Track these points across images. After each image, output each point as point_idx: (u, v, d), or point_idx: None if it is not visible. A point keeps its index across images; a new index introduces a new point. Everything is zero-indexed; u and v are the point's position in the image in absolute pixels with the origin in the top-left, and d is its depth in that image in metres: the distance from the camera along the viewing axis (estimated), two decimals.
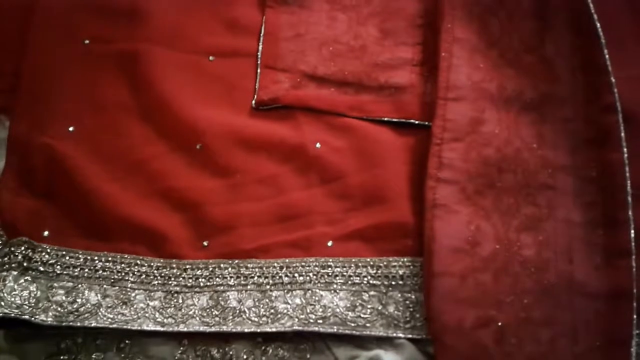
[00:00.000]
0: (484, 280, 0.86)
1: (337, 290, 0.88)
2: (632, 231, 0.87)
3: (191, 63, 1.04)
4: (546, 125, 0.95)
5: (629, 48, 1.02)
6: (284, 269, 0.90)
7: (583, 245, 0.88)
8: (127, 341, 0.87)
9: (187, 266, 0.90)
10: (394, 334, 0.86)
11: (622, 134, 0.92)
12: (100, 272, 0.89)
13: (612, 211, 0.89)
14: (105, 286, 0.88)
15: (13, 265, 0.87)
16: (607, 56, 0.96)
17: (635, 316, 0.83)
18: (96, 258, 0.90)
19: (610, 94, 0.94)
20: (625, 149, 0.91)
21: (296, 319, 0.86)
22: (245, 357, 0.87)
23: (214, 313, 0.87)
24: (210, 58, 1.05)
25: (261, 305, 0.87)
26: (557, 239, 0.89)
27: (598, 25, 0.98)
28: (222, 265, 0.90)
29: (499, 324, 0.84)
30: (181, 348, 0.87)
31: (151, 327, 0.86)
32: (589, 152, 0.93)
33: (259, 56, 1.05)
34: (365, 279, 0.89)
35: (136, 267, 0.90)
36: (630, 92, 0.96)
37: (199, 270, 0.90)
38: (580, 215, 0.90)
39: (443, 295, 0.85)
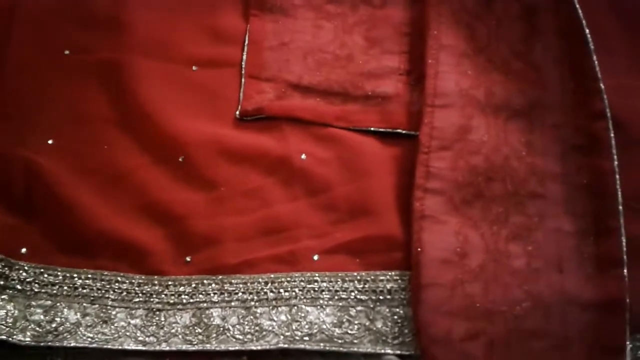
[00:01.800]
0: (472, 291, 0.85)
1: (324, 306, 0.86)
2: (624, 240, 0.86)
3: (174, 73, 1.03)
4: (535, 132, 0.94)
5: (618, 55, 1.01)
6: (269, 284, 0.88)
7: (574, 254, 0.87)
8: None
9: (170, 282, 0.88)
10: (382, 350, 0.84)
11: (612, 141, 0.91)
12: (80, 289, 0.87)
13: (603, 220, 0.88)
14: (84, 304, 0.86)
15: None
16: (596, 62, 0.95)
17: (628, 326, 0.82)
18: (75, 275, 0.88)
19: (599, 101, 0.93)
20: (615, 157, 0.90)
21: (282, 336, 0.84)
22: None
23: (197, 331, 0.85)
24: (194, 68, 1.04)
25: (245, 323, 0.85)
26: (547, 248, 0.87)
27: (587, 31, 0.97)
28: (205, 282, 0.88)
29: (489, 336, 0.82)
30: None
31: (132, 346, 0.84)
32: (579, 159, 0.92)
33: (243, 66, 1.04)
34: (353, 293, 0.87)
35: (117, 284, 0.88)
36: (620, 100, 0.95)
37: (182, 287, 0.88)
38: (571, 224, 0.88)
39: (431, 307, 0.83)
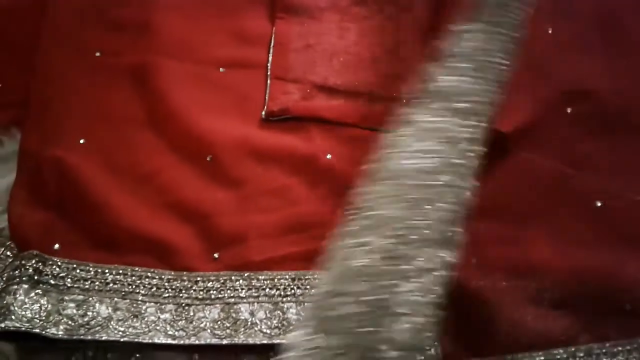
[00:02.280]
0: None
1: None
2: None
3: (201, 74, 1.04)
4: None
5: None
6: (296, 280, 0.89)
7: None
8: (137, 355, 0.86)
9: (198, 278, 0.90)
10: None
11: None
12: (111, 285, 0.88)
13: None
14: (116, 299, 0.88)
15: (24, 278, 0.87)
16: None
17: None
18: (107, 271, 0.89)
19: None
20: None
21: None
22: None
23: (225, 325, 0.86)
24: (221, 69, 1.05)
25: (273, 317, 0.87)
26: None
27: None
28: (233, 278, 0.89)
29: None
30: None
31: (162, 340, 0.85)
32: None
33: (269, 67, 1.05)
34: None
35: (147, 279, 0.89)
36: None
37: (210, 283, 0.89)
38: None
39: None
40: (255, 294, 0.88)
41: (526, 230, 0.88)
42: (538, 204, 0.89)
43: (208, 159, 0.98)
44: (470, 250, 0.85)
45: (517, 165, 0.91)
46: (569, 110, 0.94)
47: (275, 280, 0.89)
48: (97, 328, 0.85)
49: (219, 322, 0.86)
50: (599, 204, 0.88)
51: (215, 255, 0.91)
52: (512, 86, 0.95)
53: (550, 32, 1.01)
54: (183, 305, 0.88)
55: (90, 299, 0.87)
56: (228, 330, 0.86)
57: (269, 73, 1.05)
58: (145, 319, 0.86)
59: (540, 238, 0.87)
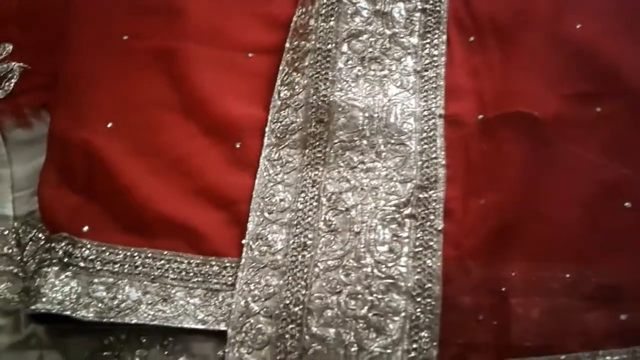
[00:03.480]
0: None
1: None
2: None
3: (230, 60, 1.04)
4: None
5: None
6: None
7: None
8: (170, 338, 0.86)
9: (227, 264, 0.89)
10: None
11: None
12: (140, 268, 0.88)
13: None
14: (145, 282, 0.87)
15: (54, 261, 0.86)
16: None
17: None
18: (136, 254, 0.89)
19: None
20: None
21: None
22: None
23: None
24: (249, 55, 1.05)
25: None
26: None
27: None
28: None
29: None
30: (224, 346, 0.85)
31: (192, 324, 0.85)
32: None
33: None
34: None
35: (175, 264, 0.89)
36: None
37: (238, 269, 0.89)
38: None
39: None
40: None
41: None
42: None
43: (237, 145, 0.97)
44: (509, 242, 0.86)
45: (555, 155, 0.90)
46: (598, 109, 0.93)
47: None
48: (127, 311, 0.85)
49: None
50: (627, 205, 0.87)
51: (243, 241, 0.91)
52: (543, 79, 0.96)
53: (578, 27, 0.99)
54: (212, 290, 0.88)
55: (120, 282, 0.87)
56: None
57: None
58: (175, 303, 0.86)
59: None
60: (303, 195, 0.93)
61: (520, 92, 0.96)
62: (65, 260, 0.87)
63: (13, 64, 1.04)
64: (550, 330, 0.81)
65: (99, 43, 1.04)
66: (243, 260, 0.89)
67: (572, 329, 0.81)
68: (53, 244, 0.88)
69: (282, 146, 0.97)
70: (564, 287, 0.83)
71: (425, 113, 0.97)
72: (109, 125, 0.98)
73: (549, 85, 0.96)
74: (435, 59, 1.02)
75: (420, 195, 0.91)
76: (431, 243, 0.88)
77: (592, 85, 0.95)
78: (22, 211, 0.95)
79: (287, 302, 0.85)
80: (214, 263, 0.89)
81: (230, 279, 0.88)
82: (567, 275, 0.83)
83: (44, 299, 0.83)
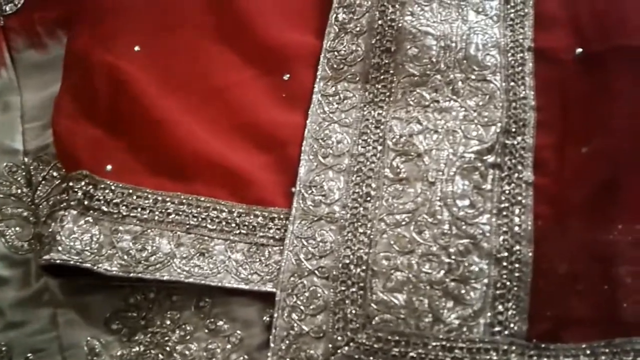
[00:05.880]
0: None
1: None
2: None
3: None
4: None
5: None
6: None
7: None
8: (207, 299, 0.75)
9: (274, 215, 0.78)
10: None
11: None
12: (173, 216, 0.77)
13: None
14: (179, 233, 0.76)
15: (72, 203, 0.75)
16: None
17: None
18: (168, 199, 0.78)
19: None
20: None
21: None
22: None
23: None
24: None
25: None
26: None
27: None
28: None
29: None
30: (271, 310, 0.74)
31: (233, 284, 0.74)
32: None
33: None
34: None
35: (214, 212, 0.78)
36: None
37: (288, 221, 0.77)
38: None
39: None
40: None
41: None
42: None
43: (285, 77, 0.86)
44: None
45: None
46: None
47: None
48: (157, 265, 0.75)
49: None
50: None
51: (293, 189, 0.79)
52: None
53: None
54: (257, 244, 0.77)
55: (149, 231, 0.77)
56: None
57: None
58: (214, 258, 0.76)
59: None
60: (364, 137, 0.82)
61: (629, 19, 0.84)
62: (85, 202, 0.76)
63: None
64: None
65: None
66: (293, 210, 0.78)
67: None
68: (70, 184, 0.77)
69: (339, 79, 0.86)
70: None
71: (512, 45, 0.85)
72: (137, 48, 0.87)
73: None
74: None
75: (507, 142, 0.79)
76: (519, 198, 0.77)
77: None
78: (34, 145, 0.85)
79: (347, 261, 0.75)
80: (258, 213, 0.78)
81: (278, 232, 0.77)
82: None
83: (59, 248, 0.73)
